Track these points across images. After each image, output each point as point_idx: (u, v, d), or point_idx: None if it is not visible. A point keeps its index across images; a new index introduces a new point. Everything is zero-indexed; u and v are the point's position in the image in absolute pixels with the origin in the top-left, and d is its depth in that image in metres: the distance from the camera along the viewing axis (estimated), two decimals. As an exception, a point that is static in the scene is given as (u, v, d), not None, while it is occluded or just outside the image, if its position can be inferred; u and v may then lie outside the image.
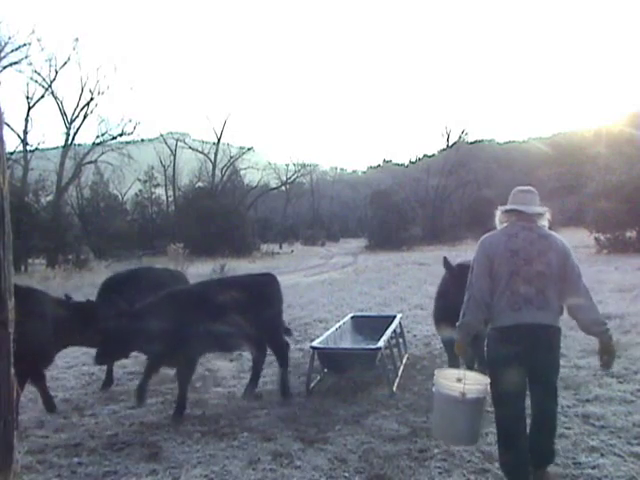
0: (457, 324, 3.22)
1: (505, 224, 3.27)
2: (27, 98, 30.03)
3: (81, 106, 32.07)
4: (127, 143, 35.73)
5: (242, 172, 45.12)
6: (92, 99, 32.11)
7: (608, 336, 3.06)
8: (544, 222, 3.24)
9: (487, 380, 3.09)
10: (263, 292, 5.30)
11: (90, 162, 34.60)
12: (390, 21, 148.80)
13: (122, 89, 65.40)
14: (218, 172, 42.19)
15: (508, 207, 3.27)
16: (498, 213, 3.33)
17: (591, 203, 23.34)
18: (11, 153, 27.59)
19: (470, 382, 3.04)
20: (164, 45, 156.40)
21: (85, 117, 32.26)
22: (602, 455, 3.57)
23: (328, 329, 6.48)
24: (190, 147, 43.58)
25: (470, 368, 4.42)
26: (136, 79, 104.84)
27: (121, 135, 33.98)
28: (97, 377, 6.05)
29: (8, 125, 27.05)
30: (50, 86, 30.76)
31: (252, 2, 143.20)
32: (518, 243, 3.10)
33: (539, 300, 3.00)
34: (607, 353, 3.08)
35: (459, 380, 3.04)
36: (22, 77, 43.39)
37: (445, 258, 5.25)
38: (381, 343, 5.28)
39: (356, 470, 3.50)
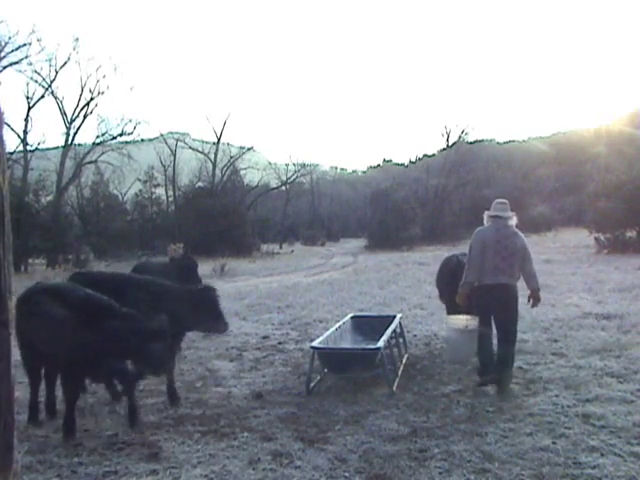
0: (460, 283, 5.27)
1: (490, 223, 5.26)
2: (27, 98, 30.12)
3: (81, 106, 32.21)
4: (127, 143, 35.78)
5: (242, 172, 45.10)
6: (92, 99, 32.26)
7: (538, 289, 5.19)
8: (513, 222, 5.26)
9: (477, 320, 5.31)
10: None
11: (90, 162, 34.67)
12: (390, 21, 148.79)
13: (122, 89, 65.36)
14: (218, 172, 42.17)
15: (492, 214, 5.27)
16: (485, 217, 5.34)
17: (591, 203, 23.35)
18: (11, 153, 27.61)
19: (469, 321, 5.57)
20: (164, 45, 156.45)
21: (85, 117, 32.41)
22: (602, 455, 3.57)
23: (328, 329, 6.47)
24: (190, 147, 43.51)
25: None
26: (136, 79, 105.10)
27: (121, 135, 34.12)
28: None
29: (8, 125, 27.14)
30: (50, 86, 30.87)
31: (252, 2, 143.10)
32: (499, 235, 5.13)
33: (508, 269, 5.07)
34: (535, 298, 5.19)
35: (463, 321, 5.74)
36: (22, 77, 43.42)
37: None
38: (381, 343, 5.28)
39: (356, 470, 3.50)
